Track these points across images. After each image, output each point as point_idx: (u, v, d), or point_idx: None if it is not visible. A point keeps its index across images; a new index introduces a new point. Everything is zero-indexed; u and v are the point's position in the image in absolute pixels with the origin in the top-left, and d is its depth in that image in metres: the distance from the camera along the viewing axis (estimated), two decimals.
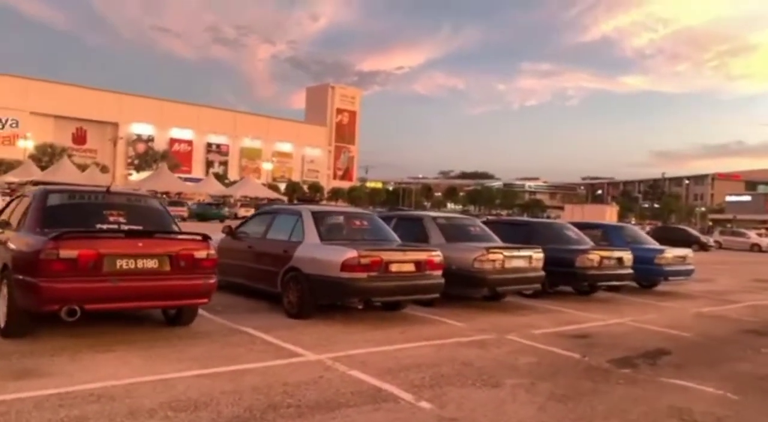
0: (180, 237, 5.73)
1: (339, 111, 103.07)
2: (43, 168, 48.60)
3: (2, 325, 5.26)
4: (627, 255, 10.23)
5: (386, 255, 6.76)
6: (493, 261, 8.08)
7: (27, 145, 56.30)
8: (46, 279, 4.81)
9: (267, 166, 78.54)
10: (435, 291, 7.22)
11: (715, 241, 39.94)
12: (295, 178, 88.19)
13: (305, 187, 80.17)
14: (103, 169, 59.48)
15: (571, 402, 4.42)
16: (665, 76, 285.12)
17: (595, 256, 9.66)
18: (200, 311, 6.77)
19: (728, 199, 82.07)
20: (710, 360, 6.14)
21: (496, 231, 9.74)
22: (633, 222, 65.61)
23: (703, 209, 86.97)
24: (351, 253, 6.53)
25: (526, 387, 4.74)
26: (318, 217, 7.48)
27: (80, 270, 4.91)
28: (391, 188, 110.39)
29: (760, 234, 42.80)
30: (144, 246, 5.28)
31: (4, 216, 6.38)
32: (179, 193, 53.61)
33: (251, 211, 26.70)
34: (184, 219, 37.57)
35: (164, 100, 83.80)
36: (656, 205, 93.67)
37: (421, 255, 7.13)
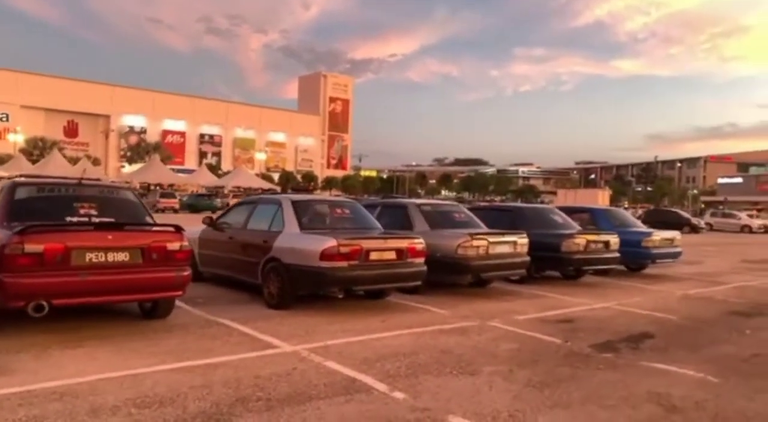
0: (152, 229, 5.62)
1: (332, 99, 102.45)
2: (34, 162, 48.18)
3: None
4: (614, 239, 10.18)
5: (366, 244, 6.66)
6: (477, 247, 8.00)
7: (17, 138, 55.78)
8: (11, 275, 4.69)
9: (260, 156, 78.19)
10: (417, 279, 7.14)
11: (706, 223, 40.09)
12: (289, 167, 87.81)
13: (299, 177, 79.88)
14: (95, 162, 59.02)
15: (548, 389, 4.36)
16: (658, 59, 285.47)
17: (581, 240, 9.60)
18: (179, 303, 6.70)
19: (720, 181, 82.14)
20: (694, 343, 6.09)
21: (481, 217, 9.66)
22: (626, 205, 65.79)
23: (695, 192, 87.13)
24: (330, 242, 6.43)
25: (504, 374, 4.67)
26: (298, 206, 7.37)
27: (47, 265, 4.80)
28: (385, 176, 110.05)
29: (750, 216, 42.92)
30: (114, 238, 5.16)
31: None
32: (171, 185, 53.37)
33: None
34: (175, 210, 37.46)
35: (156, 92, 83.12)
36: (649, 189, 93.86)
37: (403, 243, 7.03)
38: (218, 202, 42.38)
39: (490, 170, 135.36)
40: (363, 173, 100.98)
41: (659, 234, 11.75)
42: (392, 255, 6.90)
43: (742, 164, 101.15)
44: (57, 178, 6.60)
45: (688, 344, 6.04)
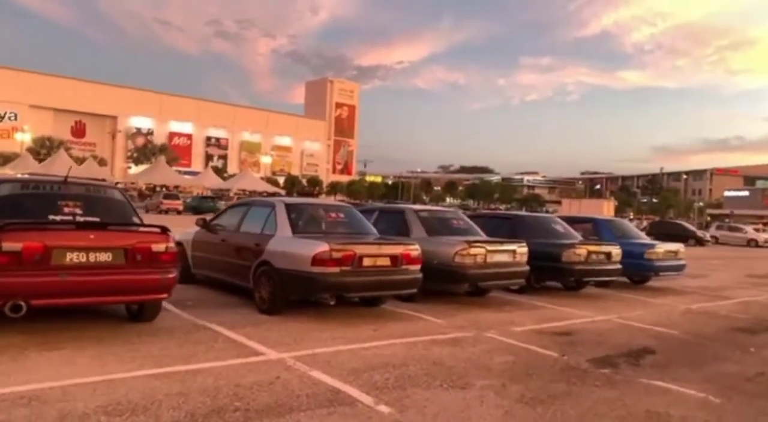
0: (137, 229, 5.46)
1: (338, 105, 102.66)
2: (41, 161, 48.33)
3: None
4: (616, 250, 9.96)
5: (360, 249, 6.49)
6: (475, 255, 7.81)
7: (24, 137, 55.97)
8: None
9: (266, 160, 78.19)
10: (412, 287, 6.95)
11: (712, 236, 39.72)
12: (295, 171, 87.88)
13: (304, 181, 79.85)
14: (101, 162, 59.16)
15: (542, 405, 4.16)
16: (665, 70, 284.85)
17: (582, 251, 9.39)
18: (168, 306, 6.55)
19: (726, 193, 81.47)
20: (695, 360, 5.87)
21: (481, 225, 9.47)
22: (631, 216, 65.35)
23: (701, 204, 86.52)
24: (322, 247, 6.26)
25: (496, 389, 4.48)
26: (292, 210, 7.21)
27: (25, 264, 4.64)
28: (390, 182, 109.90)
29: (756, 230, 42.49)
30: (96, 238, 5.01)
31: None
32: (177, 187, 53.37)
33: None
34: (179, 212, 37.36)
35: (164, 94, 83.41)
36: (654, 200, 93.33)
37: (397, 249, 6.85)
38: (222, 204, 42.29)
39: (495, 178, 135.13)
40: (368, 179, 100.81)
41: (663, 247, 11.52)
42: (387, 261, 6.72)
43: (748, 177, 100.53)
44: (42, 176, 6.46)
45: (690, 361, 5.83)
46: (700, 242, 34.38)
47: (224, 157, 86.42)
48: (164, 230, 5.45)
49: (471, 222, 9.30)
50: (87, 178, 7.05)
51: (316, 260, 6.20)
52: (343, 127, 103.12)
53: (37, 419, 3.35)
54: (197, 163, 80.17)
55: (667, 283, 12.16)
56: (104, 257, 5.00)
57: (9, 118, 69.03)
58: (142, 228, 5.49)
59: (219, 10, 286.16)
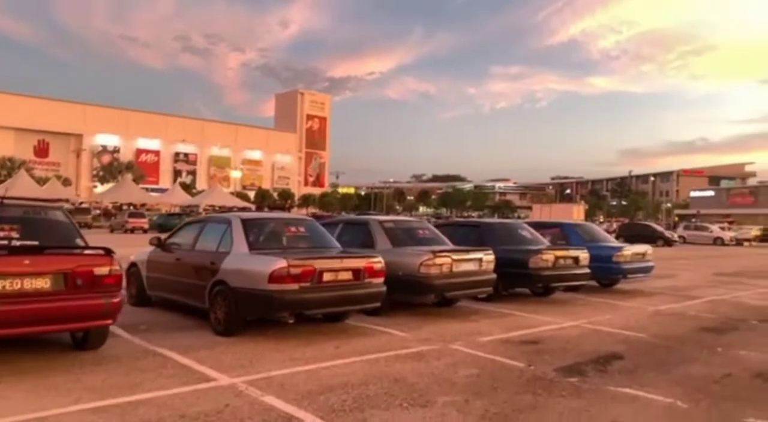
0: (78, 252, 5.15)
1: (309, 117, 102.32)
2: (1, 182, 46.84)
3: None
4: (583, 254, 9.92)
5: (319, 264, 6.26)
6: (441, 265, 7.65)
7: None
8: None
9: (236, 174, 77.29)
10: (375, 301, 6.74)
11: (680, 236, 40.44)
12: (266, 185, 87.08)
13: (275, 195, 79.10)
14: (65, 182, 57.75)
15: (506, 421, 3.98)
16: (631, 76, 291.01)
17: (549, 256, 9.31)
18: (118, 331, 6.24)
19: (692, 194, 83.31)
20: (663, 364, 5.78)
21: (448, 233, 9.35)
22: (601, 219, 66.25)
23: (669, 205, 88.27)
24: (280, 263, 6.01)
25: (459, 405, 4.29)
26: (248, 225, 6.95)
27: None
28: (363, 193, 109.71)
29: (722, 228, 43.42)
30: (31, 263, 4.69)
31: None
32: (144, 204, 52.30)
33: None
34: (145, 230, 36.55)
35: (130, 110, 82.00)
36: (624, 203, 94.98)
37: (360, 263, 6.64)
38: None
39: (467, 186, 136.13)
40: (341, 190, 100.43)
41: (630, 249, 11.55)
42: (348, 275, 6.51)
43: (713, 178, 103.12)
44: None
45: (658, 364, 5.74)
46: (667, 242, 34.91)
47: (193, 173, 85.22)
48: (108, 252, 5.15)
49: (437, 232, 9.16)
50: (29, 199, 6.67)
51: (274, 277, 5.95)
52: (315, 139, 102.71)
53: None
54: (165, 180, 78.90)
55: (635, 285, 12.18)
56: (41, 283, 4.69)
57: None
58: (83, 251, 5.18)
59: (186, 26, 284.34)
